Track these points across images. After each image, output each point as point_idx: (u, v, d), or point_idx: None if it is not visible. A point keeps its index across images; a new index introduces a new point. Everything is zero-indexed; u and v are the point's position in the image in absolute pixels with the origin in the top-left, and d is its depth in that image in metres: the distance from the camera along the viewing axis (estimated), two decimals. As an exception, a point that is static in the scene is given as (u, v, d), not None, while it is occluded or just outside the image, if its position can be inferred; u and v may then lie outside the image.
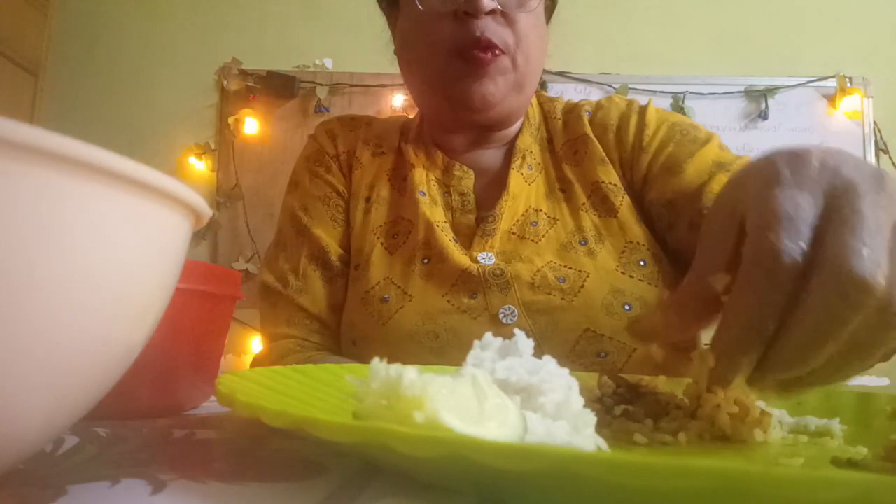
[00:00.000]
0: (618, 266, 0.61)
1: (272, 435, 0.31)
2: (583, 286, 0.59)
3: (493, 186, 0.70)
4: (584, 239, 0.64)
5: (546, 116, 0.75)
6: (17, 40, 2.06)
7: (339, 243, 0.70)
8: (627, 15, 2.16)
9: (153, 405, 0.37)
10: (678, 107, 2.09)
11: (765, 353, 0.30)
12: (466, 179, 0.70)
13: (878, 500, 0.15)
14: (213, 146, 2.14)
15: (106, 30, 2.22)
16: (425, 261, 0.64)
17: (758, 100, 2.11)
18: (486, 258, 0.63)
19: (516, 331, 0.30)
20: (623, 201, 0.65)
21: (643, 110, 0.70)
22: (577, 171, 0.69)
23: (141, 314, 0.21)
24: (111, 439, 0.29)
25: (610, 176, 0.67)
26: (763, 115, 2.10)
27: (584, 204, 0.66)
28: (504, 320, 0.59)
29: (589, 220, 0.65)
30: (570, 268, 0.61)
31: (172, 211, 0.20)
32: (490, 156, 0.72)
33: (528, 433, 0.24)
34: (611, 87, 2.12)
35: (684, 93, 2.11)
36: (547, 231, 0.65)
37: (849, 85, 2.09)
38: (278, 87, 2.12)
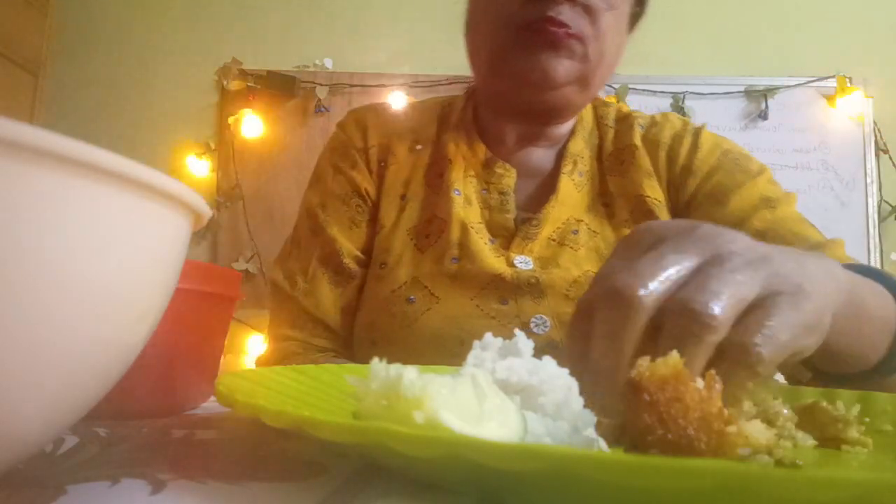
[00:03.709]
0: None
1: (272, 435, 0.31)
2: None
3: (540, 188, 0.67)
4: None
5: (599, 122, 0.72)
6: (17, 40, 2.06)
7: (355, 245, 0.67)
8: (627, 15, 2.16)
9: (153, 405, 0.37)
10: (678, 107, 2.10)
11: None
12: (508, 178, 0.66)
13: (878, 500, 0.15)
14: (213, 146, 2.14)
15: (106, 30, 2.22)
16: (454, 260, 0.61)
17: (758, 100, 2.11)
18: (524, 262, 0.61)
19: (517, 331, 0.30)
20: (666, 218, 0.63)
21: (697, 132, 0.68)
22: (620, 184, 0.66)
23: (141, 314, 0.21)
24: (111, 439, 0.29)
25: (655, 191, 0.65)
26: (763, 115, 2.10)
27: (626, 220, 0.64)
28: (535, 330, 0.57)
29: None
30: None
31: (172, 211, 0.20)
32: (538, 155, 0.69)
33: (528, 433, 0.24)
34: (611, 86, 2.11)
35: (684, 93, 2.11)
36: (587, 242, 0.63)
37: (849, 85, 2.09)
38: (278, 87, 2.12)
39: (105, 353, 0.20)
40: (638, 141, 0.68)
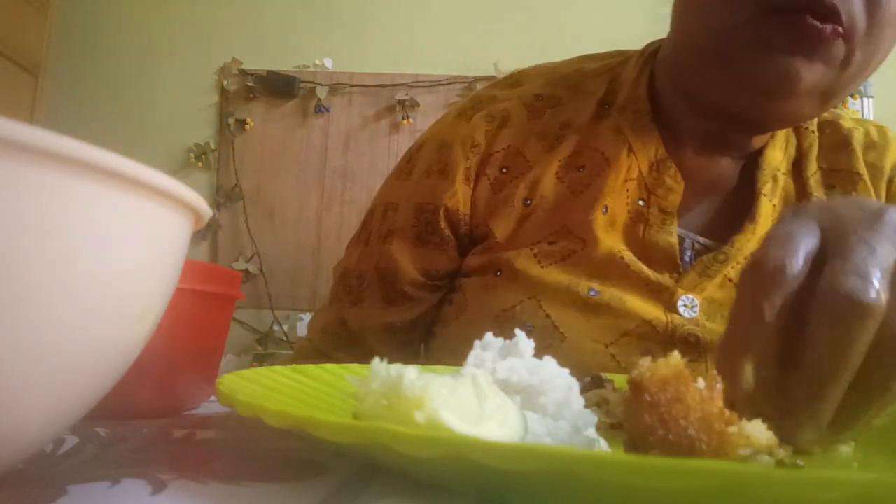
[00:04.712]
0: None
1: (272, 435, 0.31)
2: None
3: (724, 210, 0.54)
4: None
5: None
6: (17, 40, 2.06)
7: (418, 266, 0.57)
8: (629, 15, 2.16)
9: (153, 405, 0.37)
10: (678, 107, 2.09)
11: (784, 398, 0.29)
12: (675, 194, 0.52)
13: (878, 500, 0.15)
14: (213, 146, 2.14)
15: (106, 30, 2.22)
16: (593, 292, 0.49)
17: (758, 100, 2.11)
18: (689, 306, 0.49)
19: (517, 331, 0.30)
20: None
21: None
22: None
23: (141, 314, 0.21)
24: (111, 439, 0.29)
25: None
26: (763, 115, 2.10)
27: None
28: None
29: None
30: None
31: (172, 211, 0.20)
32: (722, 166, 0.55)
33: (528, 433, 0.24)
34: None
35: (684, 93, 2.11)
36: None
37: (849, 85, 2.09)
38: (278, 87, 2.12)
39: (105, 353, 0.20)
40: (862, 168, 0.55)
